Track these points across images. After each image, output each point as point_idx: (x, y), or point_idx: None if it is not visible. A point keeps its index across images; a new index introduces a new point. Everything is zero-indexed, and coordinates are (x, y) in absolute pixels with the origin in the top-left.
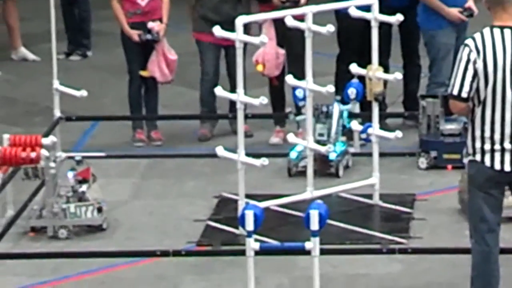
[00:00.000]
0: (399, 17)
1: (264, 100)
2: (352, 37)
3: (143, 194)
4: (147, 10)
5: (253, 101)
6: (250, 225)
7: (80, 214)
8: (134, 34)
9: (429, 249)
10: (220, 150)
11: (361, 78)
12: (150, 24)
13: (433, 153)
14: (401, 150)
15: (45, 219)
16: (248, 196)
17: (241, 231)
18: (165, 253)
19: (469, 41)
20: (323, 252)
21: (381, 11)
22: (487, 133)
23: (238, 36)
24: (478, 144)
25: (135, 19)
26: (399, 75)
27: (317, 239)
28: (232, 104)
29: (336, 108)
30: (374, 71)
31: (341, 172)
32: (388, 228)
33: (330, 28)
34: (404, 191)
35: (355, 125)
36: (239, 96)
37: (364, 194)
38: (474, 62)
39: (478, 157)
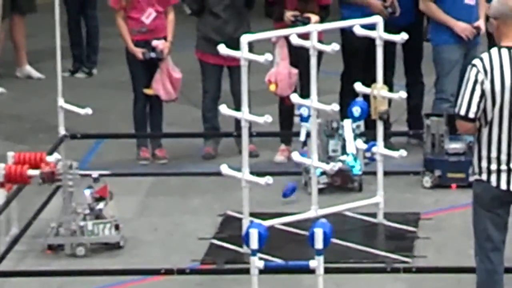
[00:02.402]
0: (404, 36)
1: (268, 118)
2: (357, 55)
3: (148, 212)
4: (151, 28)
5: (258, 119)
6: (254, 243)
7: (98, 232)
8: (138, 52)
9: (433, 268)
10: (224, 168)
11: (366, 96)
12: (155, 42)
13: (438, 172)
14: (406, 169)
15: (62, 237)
16: (252, 214)
17: (246, 250)
18: (169, 271)
19: (476, 62)
20: (327, 270)
21: (386, 28)
22: (494, 154)
23: (243, 54)
24: (484, 164)
25: (139, 37)
26: (403, 94)
27: (321, 258)
28: (238, 122)
29: (348, 123)
30: (379, 89)
31: (363, 187)
32: (393, 247)
33: (335, 46)
34: (409, 210)
35: (360, 143)
36: (244, 114)
37: (368, 213)
38: (482, 83)
39: (484, 177)
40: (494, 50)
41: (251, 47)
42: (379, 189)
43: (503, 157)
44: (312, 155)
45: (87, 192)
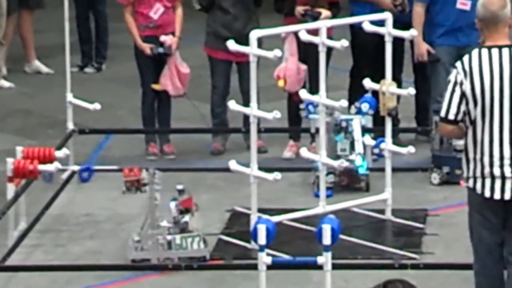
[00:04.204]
0: (413, 32)
1: (277, 114)
2: (366, 52)
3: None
4: (159, 24)
5: (266, 115)
6: (262, 239)
7: (186, 246)
8: (146, 48)
9: (441, 264)
10: (233, 164)
11: (374, 93)
12: (163, 38)
13: (446, 169)
14: (414, 165)
15: (148, 251)
16: (260, 210)
17: (254, 245)
18: (177, 267)
19: (458, 63)
20: (335, 266)
21: (394, 25)
22: (478, 155)
23: (252, 50)
24: (471, 167)
25: (147, 32)
26: (412, 90)
27: (329, 254)
28: (246, 118)
29: (357, 122)
30: (388, 86)
31: (371, 183)
32: (401, 243)
33: (344, 43)
34: (417, 207)
35: (368, 140)
36: (253, 110)
37: (376, 209)
38: (461, 84)
39: (470, 183)
40: (475, 51)
41: (260, 42)
42: (387, 185)
43: (486, 159)
44: (321, 151)
45: (172, 205)
